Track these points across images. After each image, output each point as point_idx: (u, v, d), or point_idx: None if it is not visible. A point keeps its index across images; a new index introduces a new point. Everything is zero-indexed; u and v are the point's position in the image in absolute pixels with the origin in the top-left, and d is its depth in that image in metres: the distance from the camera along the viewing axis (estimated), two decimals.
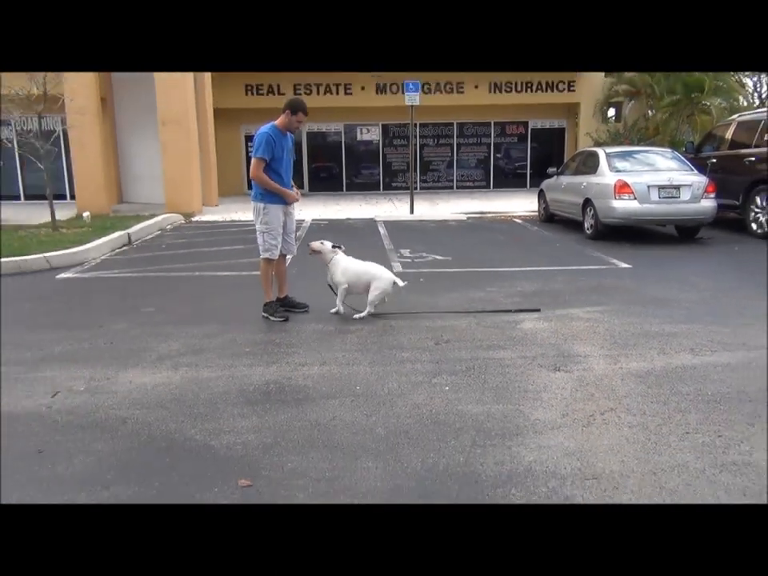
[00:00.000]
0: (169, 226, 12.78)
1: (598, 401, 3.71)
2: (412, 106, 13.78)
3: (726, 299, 6.16)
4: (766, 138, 10.19)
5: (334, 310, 5.55)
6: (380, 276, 5.44)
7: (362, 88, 19.24)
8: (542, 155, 20.60)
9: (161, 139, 14.58)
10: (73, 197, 15.60)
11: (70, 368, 4.37)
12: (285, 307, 5.74)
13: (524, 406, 3.65)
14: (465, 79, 19.33)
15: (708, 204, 9.61)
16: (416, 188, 15.99)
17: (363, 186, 20.97)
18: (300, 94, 18.90)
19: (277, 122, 5.41)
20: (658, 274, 7.38)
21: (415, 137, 17.47)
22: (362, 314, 5.48)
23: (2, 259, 8.04)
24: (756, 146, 10.38)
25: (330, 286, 5.64)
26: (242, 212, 13.91)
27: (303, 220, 12.72)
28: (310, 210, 14.50)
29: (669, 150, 11.47)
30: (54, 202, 11.44)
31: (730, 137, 11.28)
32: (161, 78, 14.03)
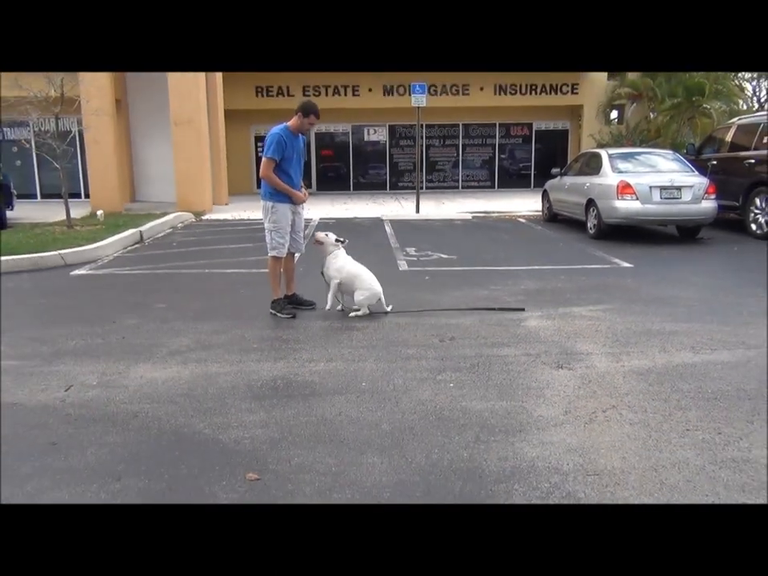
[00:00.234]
0: (180, 225, 12.89)
1: (600, 398, 3.75)
2: (419, 107, 13.83)
3: (726, 298, 6.20)
4: (765, 141, 10.22)
5: (327, 307, 5.56)
6: (369, 287, 5.50)
7: (370, 89, 19.32)
8: (545, 156, 20.61)
9: (173, 139, 14.78)
10: (87, 195, 15.74)
11: (83, 362, 4.44)
12: (292, 304, 5.81)
13: (527, 402, 3.70)
14: (470, 81, 19.39)
15: (708, 205, 9.66)
16: (422, 188, 16.03)
17: (370, 185, 21.04)
18: (309, 96, 19.01)
19: (289, 124, 5.48)
20: (660, 274, 7.42)
21: (421, 137, 17.54)
22: (359, 313, 5.55)
23: (19, 256, 8.17)
24: (755, 149, 10.45)
25: (323, 275, 5.68)
26: (252, 211, 13.98)
27: (311, 219, 12.78)
28: (317, 209, 14.57)
29: (670, 152, 11.53)
30: (69, 200, 11.59)
31: (730, 139, 11.34)
32: (174, 79, 14.21)
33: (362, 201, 17.65)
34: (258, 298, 6.14)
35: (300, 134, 5.58)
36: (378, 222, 13.01)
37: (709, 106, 17.00)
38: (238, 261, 8.47)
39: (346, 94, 19.49)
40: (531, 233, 11.43)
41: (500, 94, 19.73)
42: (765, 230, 9.88)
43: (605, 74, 19.29)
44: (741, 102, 20.19)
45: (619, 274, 7.44)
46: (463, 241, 10.55)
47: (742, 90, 22.43)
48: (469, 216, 13.88)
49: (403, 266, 8.16)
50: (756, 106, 24.63)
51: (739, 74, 21.73)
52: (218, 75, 16.13)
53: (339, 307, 5.62)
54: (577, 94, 19.87)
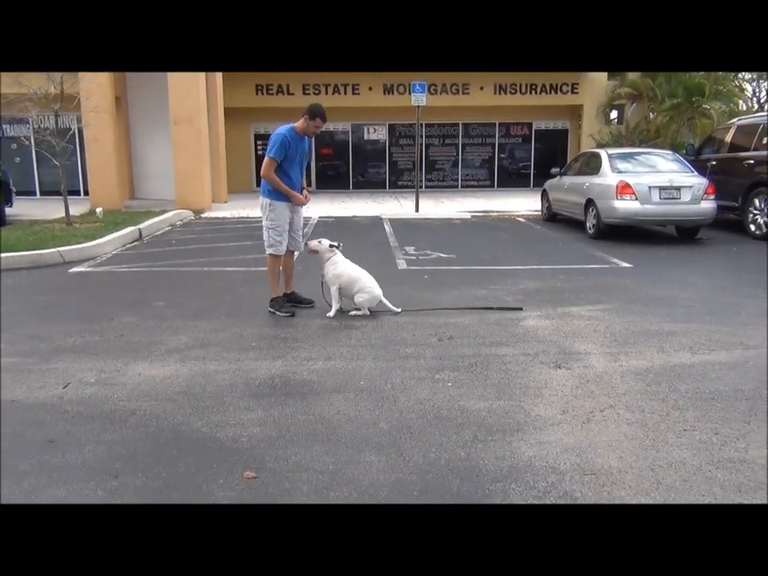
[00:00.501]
0: (179, 222, 12.89)
1: (597, 398, 3.76)
2: (418, 106, 13.84)
3: (725, 299, 6.21)
4: (764, 142, 10.24)
5: (331, 314, 5.52)
6: (370, 290, 5.51)
7: (370, 88, 19.34)
8: (545, 156, 20.64)
9: (172, 137, 14.79)
10: (86, 193, 15.75)
11: (81, 360, 4.44)
12: (291, 303, 5.81)
13: (525, 402, 3.70)
14: (470, 81, 19.42)
15: (708, 205, 9.67)
16: (421, 187, 16.05)
17: (370, 184, 21.07)
18: (309, 94, 19.10)
19: (296, 125, 5.48)
20: (658, 274, 7.43)
21: (421, 136, 17.56)
22: (359, 312, 5.56)
23: (18, 253, 8.17)
24: (755, 150, 10.47)
25: (323, 284, 5.69)
26: (251, 209, 13.98)
27: (310, 217, 12.78)
28: (317, 207, 14.57)
29: (670, 152, 11.55)
30: (68, 197, 11.58)
31: (729, 140, 11.35)
32: (173, 78, 14.23)
33: (361, 199, 17.66)
34: (257, 296, 6.15)
35: (306, 136, 5.58)
36: (377, 221, 13.01)
37: (709, 107, 17.05)
38: (236, 259, 8.47)
39: (345, 93, 19.51)
40: (530, 232, 11.44)
41: (500, 94, 19.75)
42: (764, 231, 9.89)
43: (605, 74, 19.32)
44: (741, 102, 20.25)
45: (618, 274, 7.45)
46: (462, 240, 10.56)
47: (742, 90, 22.48)
48: (468, 215, 13.89)
49: (402, 265, 8.16)
50: (756, 106, 24.66)
51: (739, 75, 21.77)
52: (218, 73, 16.16)
53: (331, 313, 5.60)
54: (577, 93, 19.90)
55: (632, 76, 18.83)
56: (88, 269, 7.96)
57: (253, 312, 5.74)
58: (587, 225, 10.47)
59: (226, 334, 5.05)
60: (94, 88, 13.27)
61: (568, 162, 14.28)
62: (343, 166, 21.17)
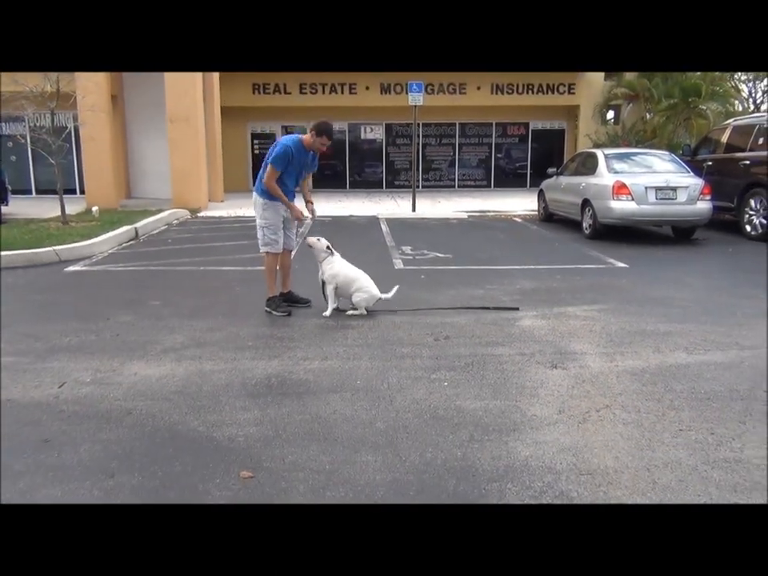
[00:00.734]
0: (175, 221, 12.88)
1: (593, 398, 3.77)
2: (415, 106, 13.83)
3: (720, 299, 6.23)
4: (760, 143, 10.27)
5: (327, 313, 5.52)
6: (367, 289, 5.52)
7: (367, 88, 19.34)
8: (542, 156, 20.67)
9: (169, 136, 14.77)
10: (82, 191, 15.72)
11: (77, 359, 4.43)
12: (287, 302, 5.81)
13: (521, 402, 3.71)
14: (467, 80, 19.43)
15: (704, 206, 9.70)
16: (418, 186, 16.03)
17: (366, 183, 21.07)
18: (306, 94, 19.10)
19: (303, 138, 5.47)
20: (654, 274, 7.44)
21: (418, 136, 17.52)
22: (356, 312, 5.56)
23: (13, 252, 8.15)
24: (751, 150, 10.49)
25: (322, 283, 5.69)
26: (247, 208, 13.85)
27: (308, 216, 12.74)
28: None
29: (666, 153, 11.59)
30: (65, 196, 11.56)
31: (725, 140, 11.38)
32: (170, 77, 14.22)
33: (358, 199, 17.66)
34: (253, 295, 6.14)
35: (311, 150, 5.58)
36: (374, 221, 13.02)
37: (705, 107, 17.09)
38: (233, 258, 8.46)
39: (342, 92, 19.50)
40: (527, 232, 11.45)
41: (497, 94, 19.77)
42: (759, 232, 9.92)
43: (601, 75, 19.35)
44: (737, 103, 20.30)
45: (614, 274, 7.46)
46: (459, 240, 10.57)
47: (738, 91, 22.55)
48: (465, 215, 13.90)
49: (399, 264, 8.17)
50: (752, 107, 24.71)
51: (735, 76, 21.82)
52: (215, 73, 16.11)
53: (327, 313, 5.60)
54: (573, 94, 19.93)
55: (628, 76, 18.87)
56: (84, 268, 7.95)
57: (249, 311, 5.74)
58: (584, 225, 10.48)
59: (222, 334, 5.05)
60: (91, 86, 13.24)
61: (565, 162, 14.30)
62: (340, 165, 21.16)
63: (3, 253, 7.99)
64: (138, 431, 3.35)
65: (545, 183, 12.94)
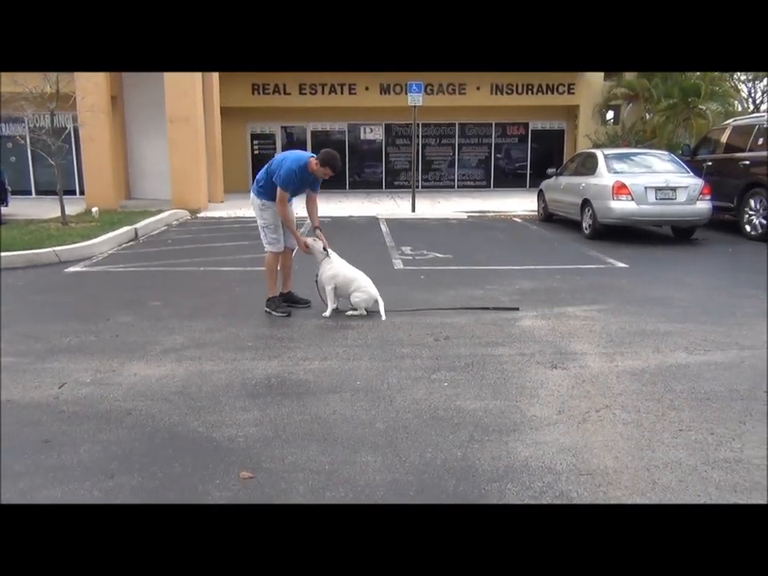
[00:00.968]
0: (175, 222, 12.88)
1: (593, 398, 3.77)
2: (415, 106, 13.83)
3: (720, 299, 6.23)
4: (760, 143, 10.28)
5: (327, 314, 5.52)
6: (366, 290, 5.52)
7: (366, 88, 19.34)
8: (541, 156, 20.66)
9: (169, 137, 14.76)
10: (82, 192, 15.70)
11: (77, 360, 4.43)
12: (287, 302, 5.82)
13: (521, 402, 3.71)
14: (467, 81, 19.43)
15: (703, 206, 9.70)
16: (418, 187, 16.04)
17: (366, 184, 21.06)
18: (305, 94, 19.13)
19: (310, 162, 5.47)
20: (654, 274, 7.44)
21: (418, 136, 17.55)
22: (355, 312, 5.56)
23: (13, 252, 8.14)
24: (750, 150, 10.50)
25: (317, 283, 5.70)
26: (247, 208, 13.87)
27: (305, 217, 12.74)
28: None
29: (666, 153, 11.59)
30: (64, 197, 11.55)
31: (725, 141, 11.38)
32: (170, 77, 14.22)
33: (357, 199, 17.66)
34: (253, 296, 6.14)
35: (314, 175, 5.59)
36: (373, 221, 13.02)
37: (704, 107, 17.10)
38: (233, 259, 8.46)
39: (342, 93, 19.50)
40: (527, 233, 11.45)
41: (496, 94, 19.76)
42: (759, 232, 9.92)
43: (601, 75, 19.35)
44: (736, 103, 20.30)
45: (614, 275, 7.46)
46: (459, 240, 10.56)
47: (738, 91, 22.55)
48: (464, 215, 13.90)
49: (398, 264, 8.17)
50: (751, 107, 24.73)
51: (735, 76, 21.83)
52: (215, 73, 16.12)
53: (334, 306, 5.62)
54: (573, 94, 19.93)
55: (628, 76, 18.88)
56: (84, 268, 7.95)
57: (249, 312, 5.74)
58: (583, 225, 10.48)
59: (222, 334, 5.05)
60: (90, 87, 13.24)
61: (564, 162, 14.31)
62: (339, 165, 21.14)
63: (3, 254, 7.98)
64: (138, 432, 3.35)
65: (544, 183, 12.94)
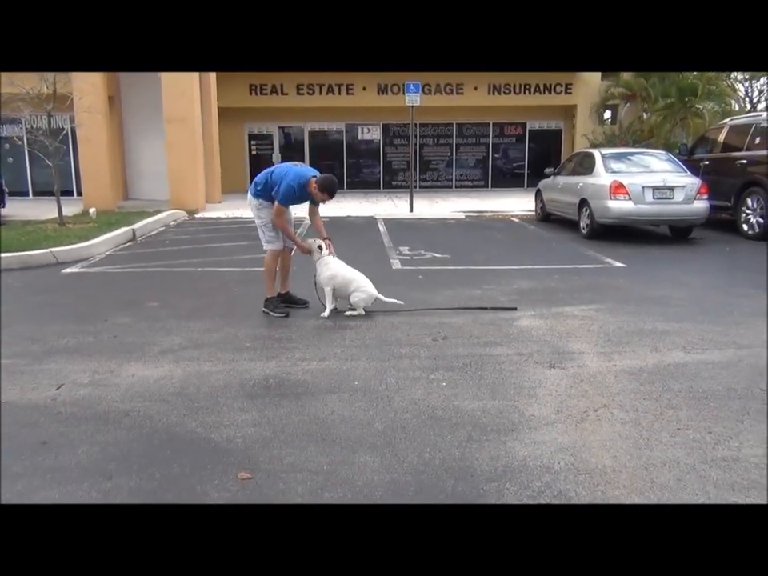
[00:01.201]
0: (173, 223, 12.86)
1: (591, 397, 3.77)
2: (412, 106, 13.84)
3: (717, 298, 6.24)
4: (757, 142, 10.29)
5: (325, 314, 5.52)
6: (365, 289, 5.53)
7: (364, 88, 19.33)
8: (539, 156, 20.66)
9: (166, 137, 14.74)
10: (79, 193, 15.67)
11: (74, 361, 4.43)
12: (285, 303, 5.81)
13: (519, 402, 3.71)
14: (464, 81, 19.43)
15: (701, 205, 9.72)
16: (416, 187, 16.06)
17: (364, 184, 21.06)
18: (303, 94, 19.13)
19: (311, 182, 5.47)
20: (652, 273, 7.45)
21: (415, 136, 17.53)
22: (354, 312, 5.56)
23: (10, 254, 8.12)
24: (747, 149, 10.51)
25: (315, 284, 5.71)
26: (245, 209, 13.79)
27: (304, 217, 12.74)
28: None
29: (663, 152, 11.60)
30: (61, 198, 11.53)
31: (722, 140, 11.40)
32: (167, 78, 14.20)
33: (355, 199, 17.65)
34: (251, 296, 6.14)
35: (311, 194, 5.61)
36: (371, 221, 13.02)
37: (701, 107, 17.12)
38: (230, 259, 8.46)
39: (339, 93, 19.49)
40: (524, 232, 11.46)
41: (494, 94, 19.77)
42: (756, 231, 9.94)
43: (598, 74, 19.35)
44: (733, 102, 20.31)
45: (611, 274, 7.47)
46: (456, 240, 10.56)
47: (735, 90, 22.55)
48: (462, 215, 13.90)
49: (396, 264, 8.17)
50: (748, 106, 24.74)
51: (732, 75, 21.85)
52: (212, 73, 16.12)
53: (333, 307, 5.62)
54: (570, 93, 19.95)
55: (625, 76, 18.88)
56: (81, 269, 7.94)
57: (247, 312, 5.73)
58: (581, 225, 10.49)
59: (219, 335, 5.04)
60: (87, 88, 13.23)
61: (562, 162, 14.31)
62: (337, 165, 21.11)
63: (1, 255, 7.96)
64: (136, 433, 3.34)
65: (542, 183, 12.95)
